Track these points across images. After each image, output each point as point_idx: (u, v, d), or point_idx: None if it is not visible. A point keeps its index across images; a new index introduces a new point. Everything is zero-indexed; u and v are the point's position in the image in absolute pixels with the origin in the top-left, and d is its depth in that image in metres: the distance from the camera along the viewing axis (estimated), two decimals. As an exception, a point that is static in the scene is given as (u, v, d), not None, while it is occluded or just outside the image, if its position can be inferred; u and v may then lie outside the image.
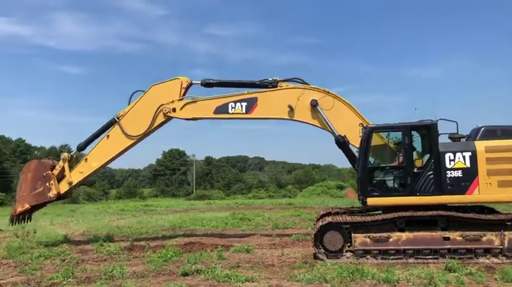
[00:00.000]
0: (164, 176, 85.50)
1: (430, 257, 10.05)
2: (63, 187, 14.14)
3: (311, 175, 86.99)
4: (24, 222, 14.40)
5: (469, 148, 10.32)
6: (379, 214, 10.86)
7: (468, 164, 10.21)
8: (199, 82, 14.19)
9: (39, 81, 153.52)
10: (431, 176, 10.35)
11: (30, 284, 8.87)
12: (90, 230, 18.50)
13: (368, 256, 10.30)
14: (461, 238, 10.00)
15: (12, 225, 14.54)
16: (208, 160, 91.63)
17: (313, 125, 13.03)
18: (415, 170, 10.51)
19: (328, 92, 12.88)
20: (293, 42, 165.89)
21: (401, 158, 10.96)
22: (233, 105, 13.39)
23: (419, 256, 10.09)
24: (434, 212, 10.16)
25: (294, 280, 8.62)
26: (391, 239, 10.23)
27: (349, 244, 10.48)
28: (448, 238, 10.05)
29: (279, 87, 13.48)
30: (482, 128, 10.75)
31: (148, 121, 13.78)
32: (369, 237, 10.31)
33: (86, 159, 14.19)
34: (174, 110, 13.72)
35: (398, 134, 11.16)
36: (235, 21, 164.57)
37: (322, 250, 10.51)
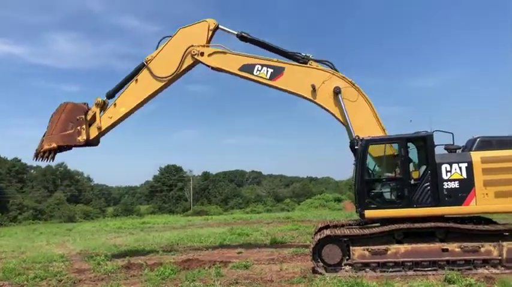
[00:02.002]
0: (161, 193, 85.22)
1: (429, 269, 10.02)
2: (93, 133, 14.35)
3: (308, 188, 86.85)
4: (47, 160, 14.62)
5: (465, 159, 10.35)
6: (377, 226, 10.84)
7: (465, 175, 10.23)
8: (226, 29, 14.25)
9: (36, 100, 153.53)
10: (428, 187, 10.37)
11: (26, 306, 8.76)
12: (87, 249, 18.33)
13: (367, 269, 10.26)
14: (459, 249, 9.99)
15: (35, 160, 14.73)
16: (206, 175, 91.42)
17: (333, 114, 12.74)
18: (412, 182, 10.52)
19: (354, 84, 12.64)
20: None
21: (395, 171, 10.99)
22: (259, 68, 13.37)
23: (418, 268, 10.06)
24: (433, 224, 10.15)
25: (293, 295, 8.56)
26: (389, 252, 10.20)
27: (347, 257, 10.43)
28: (446, 250, 10.03)
29: (308, 65, 13.34)
30: (478, 139, 10.77)
31: (176, 63, 13.96)
32: (367, 250, 10.27)
33: (115, 104, 14.37)
34: (202, 54, 13.86)
35: (395, 146, 11.22)
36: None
37: (321, 264, 10.46)
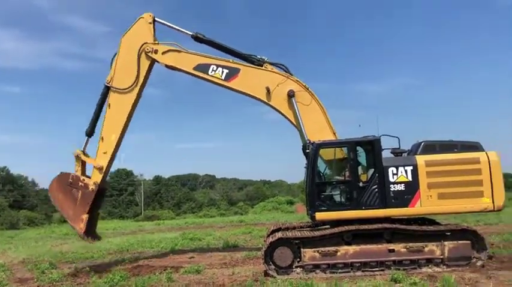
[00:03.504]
0: (111, 197, 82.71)
1: (377, 269, 10.34)
2: (96, 177, 13.51)
3: (262, 191, 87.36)
4: (98, 239, 13.83)
5: (411, 162, 10.73)
6: (327, 228, 11.06)
7: (410, 178, 10.61)
8: (163, 22, 13.89)
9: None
10: (376, 190, 10.68)
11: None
12: (30, 257, 17.50)
13: (317, 271, 10.44)
14: (405, 249, 10.38)
15: (92, 242, 13.76)
16: (157, 179, 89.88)
17: (287, 117, 12.83)
18: (361, 185, 10.82)
19: (308, 89, 12.78)
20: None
21: (344, 173, 11.26)
22: (214, 68, 13.27)
23: (366, 269, 10.36)
24: (380, 225, 10.49)
25: (244, 299, 8.57)
26: (338, 253, 10.43)
27: (298, 260, 10.58)
28: (393, 250, 10.39)
29: (263, 68, 13.34)
30: (422, 143, 11.20)
31: (135, 69, 13.60)
32: (317, 252, 10.46)
33: (102, 138, 13.67)
34: (156, 52, 13.62)
35: (337, 150, 11.52)
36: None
37: (273, 267, 10.55)
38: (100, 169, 13.56)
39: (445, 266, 10.34)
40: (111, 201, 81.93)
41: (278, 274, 10.43)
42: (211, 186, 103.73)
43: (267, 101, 13.01)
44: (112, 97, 13.78)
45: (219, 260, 13.98)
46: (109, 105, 13.77)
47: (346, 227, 10.50)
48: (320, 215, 10.83)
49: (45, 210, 73.60)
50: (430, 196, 10.53)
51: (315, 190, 11.02)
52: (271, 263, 10.56)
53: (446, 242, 10.38)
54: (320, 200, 11.00)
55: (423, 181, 10.58)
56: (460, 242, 10.41)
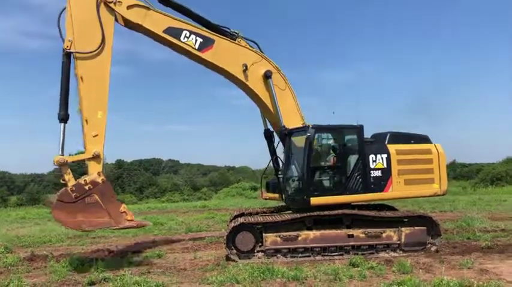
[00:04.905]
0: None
1: (336, 253, 10.62)
2: (96, 167, 11.33)
3: (226, 177, 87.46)
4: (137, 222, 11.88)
5: (386, 150, 11.37)
6: (288, 213, 11.21)
7: (385, 165, 11.26)
8: None
9: None
10: (360, 175, 11.11)
11: None
12: (-16, 241, 16.88)
13: (278, 255, 10.60)
14: (363, 234, 10.71)
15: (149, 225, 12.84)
16: (119, 163, 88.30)
17: (261, 99, 12.02)
18: (349, 170, 11.17)
19: (280, 71, 12.15)
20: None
21: (335, 159, 11.33)
22: (187, 35, 11.51)
23: (326, 253, 10.61)
24: (340, 211, 10.74)
25: (205, 282, 8.61)
26: (299, 238, 10.62)
27: (260, 244, 10.70)
28: (352, 235, 10.70)
29: (237, 42, 12.28)
30: (389, 134, 11.82)
31: (96, 25, 10.73)
32: (279, 236, 10.60)
33: (86, 120, 11.00)
34: (119, 3, 10.93)
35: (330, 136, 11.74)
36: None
37: (234, 251, 10.62)
38: (97, 156, 11.32)
39: (401, 251, 10.77)
40: (71, 185, 79.90)
41: (240, 258, 10.51)
42: (175, 171, 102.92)
43: (243, 79, 11.90)
44: (80, 66, 10.91)
45: (181, 244, 13.94)
46: (81, 78, 10.91)
47: (307, 213, 10.67)
48: (315, 200, 10.83)
49: (1, 193, 71.11)
50: (399, 181, 11.29)
51: (310, 175, 10.99)
52: (233, 247, 10.63)
53: (403, 228, 10.80)
54: (315, 185, 11.07)
55: (394, 167, 11.29)
56: (416, 228, 10.88)
